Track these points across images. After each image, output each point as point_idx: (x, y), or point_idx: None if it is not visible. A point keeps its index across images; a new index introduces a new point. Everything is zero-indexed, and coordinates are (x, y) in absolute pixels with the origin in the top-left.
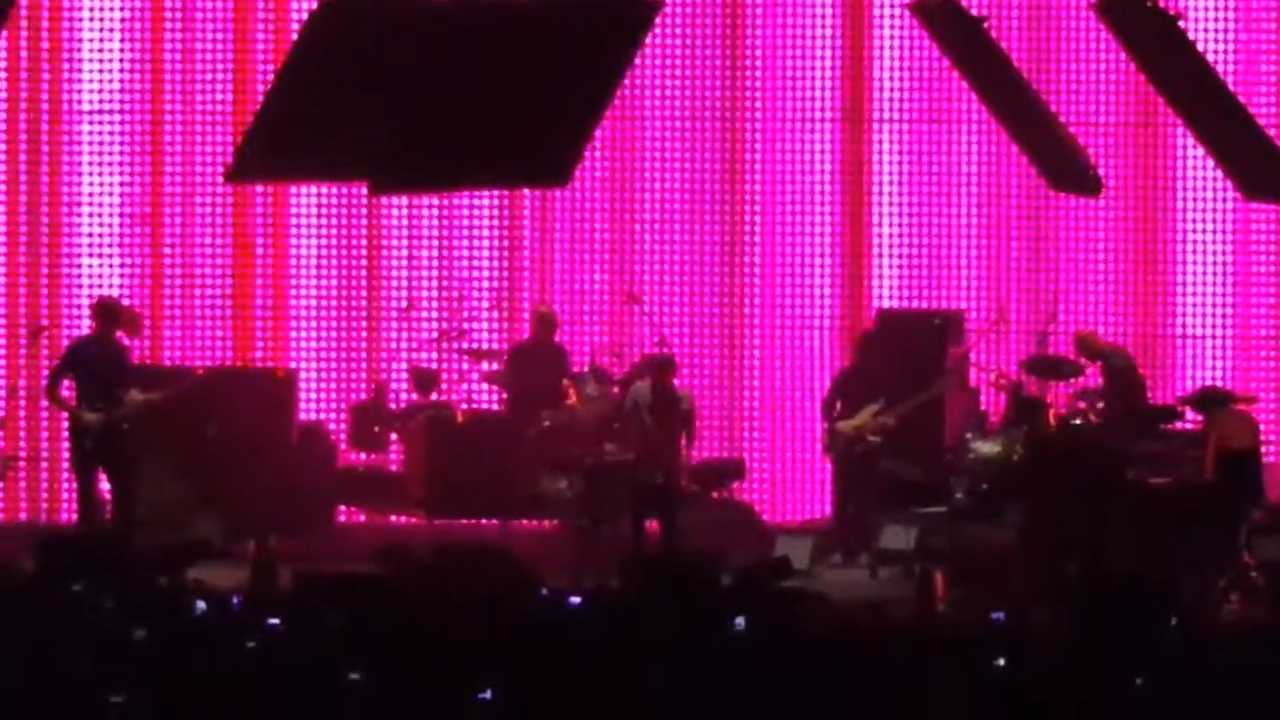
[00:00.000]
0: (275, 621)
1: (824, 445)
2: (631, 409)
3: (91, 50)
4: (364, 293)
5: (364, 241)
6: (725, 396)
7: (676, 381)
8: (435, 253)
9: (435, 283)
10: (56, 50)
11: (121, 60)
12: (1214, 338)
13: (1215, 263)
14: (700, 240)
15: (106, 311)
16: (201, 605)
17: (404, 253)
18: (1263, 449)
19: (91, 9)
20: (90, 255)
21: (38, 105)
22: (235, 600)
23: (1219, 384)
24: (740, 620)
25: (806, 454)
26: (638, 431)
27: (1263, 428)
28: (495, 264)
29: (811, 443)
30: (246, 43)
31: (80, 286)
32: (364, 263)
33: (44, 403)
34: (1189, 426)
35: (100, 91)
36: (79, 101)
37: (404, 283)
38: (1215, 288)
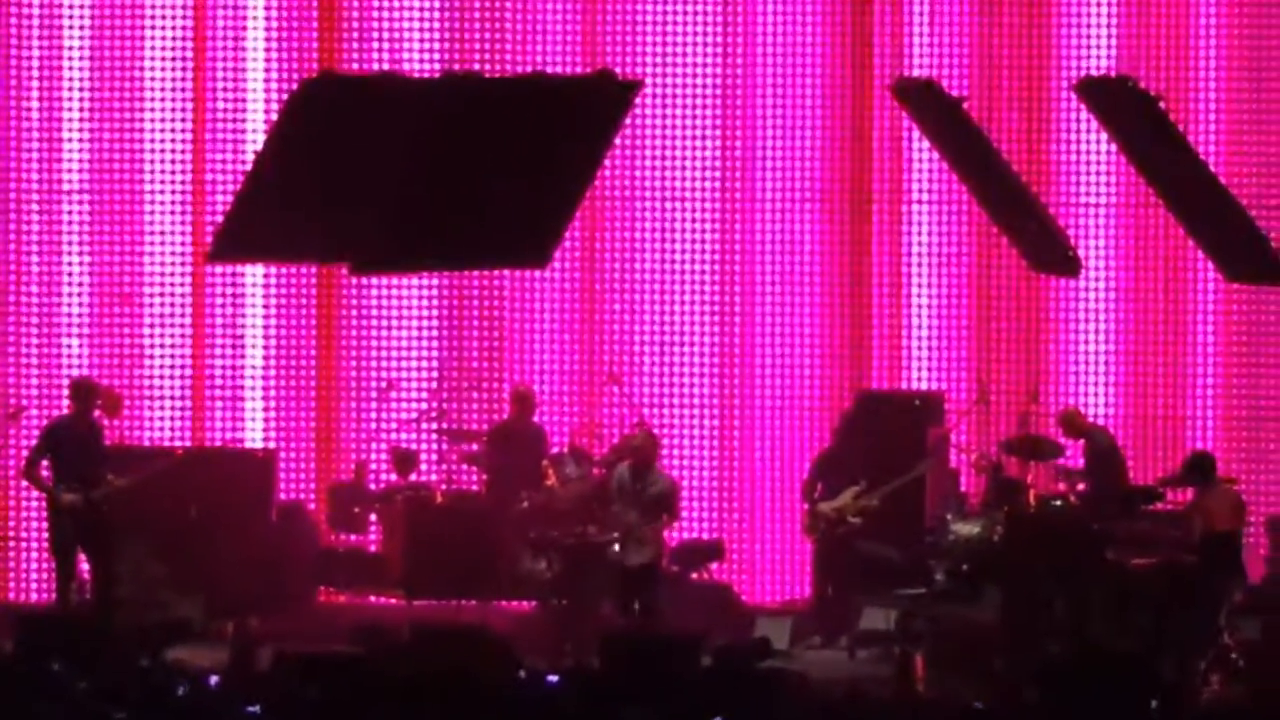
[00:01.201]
0: (255, 709)
1: (804, 526)
2: (614, 490)
3: (71, 130)
4: (343, 373)
5: (343, 322)
6: (705, 478)
7: (661, 463)
8: (414, 333)
9: (414, 363)
10: (36, 129)
11: (102, 140)
12: (1195, 418)
13: (1197, 343)
14: (681, 322)
15: (83, 391)
16: (181, 686)
17: (383, 333)
18: (1247, 528)
19: (73, 88)
20: (69, 335)
21: (19, 184)
22: (214, 681)
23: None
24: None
25: (786, 535)
26: (616, 513)
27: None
28: (475, 344)
29: (791, 524)
30: (227, 122)
31: (59, 367)
32: (343, 343)
33: (23, 483)
34: (1170, 507)
35: (80, 171)
36: (59, 181)
37: (383, 363)
38: (1197, 368)
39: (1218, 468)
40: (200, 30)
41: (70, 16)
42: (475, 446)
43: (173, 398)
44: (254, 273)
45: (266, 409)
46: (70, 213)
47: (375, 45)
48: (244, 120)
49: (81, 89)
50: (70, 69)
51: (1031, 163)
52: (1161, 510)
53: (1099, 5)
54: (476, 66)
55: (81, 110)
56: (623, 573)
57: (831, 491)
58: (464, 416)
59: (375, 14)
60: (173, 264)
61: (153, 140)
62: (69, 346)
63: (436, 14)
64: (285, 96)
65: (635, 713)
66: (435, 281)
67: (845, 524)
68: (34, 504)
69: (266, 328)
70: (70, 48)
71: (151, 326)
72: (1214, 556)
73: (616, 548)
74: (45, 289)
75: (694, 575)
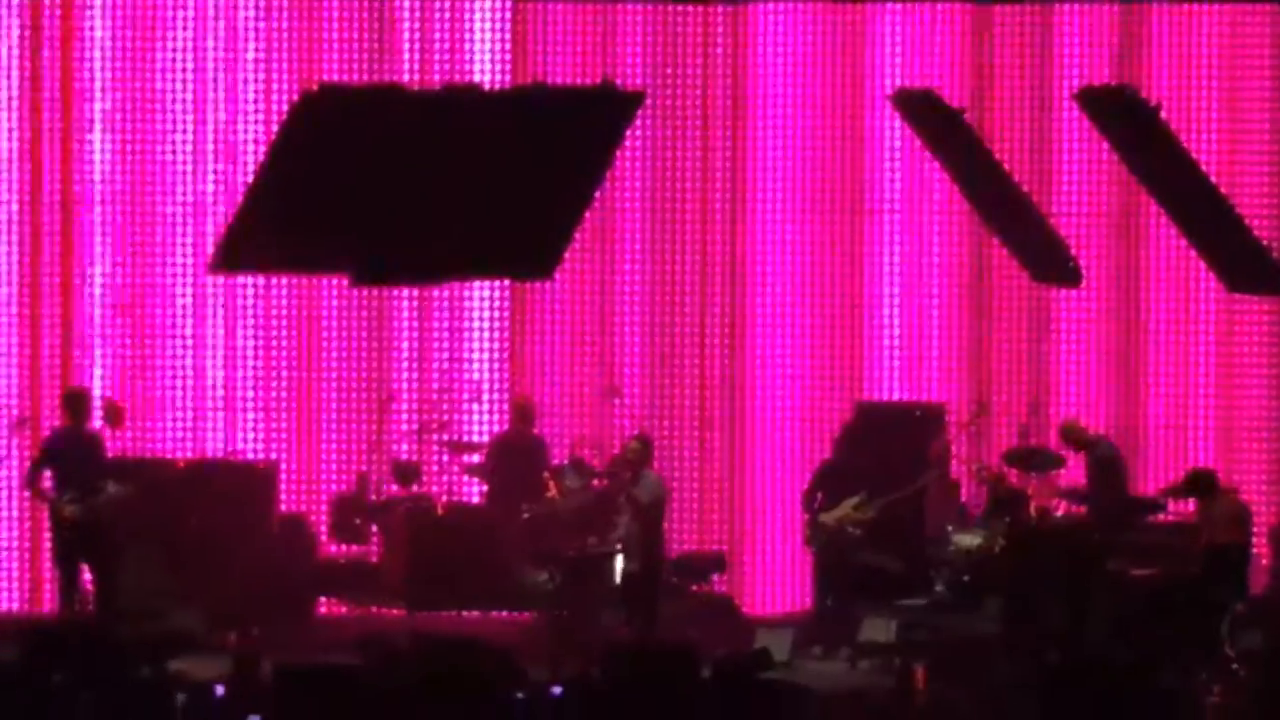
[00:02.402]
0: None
1: (805, 538)
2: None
3: (74, 141)
4: (344, 384)
5: (344, 333)
6: (706, 489)
7: (656, 471)
8: (415, 345)
9: (416, 375)
10: (37, 142)
11: (104, 151)
12: (1197, 429)
13: (1198, 353)
14: (680, 333)
15: (77, 402)
16: (182, 697)
17: (384, 344)
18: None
19: (78, 99)
20: (74, 346)
21: (28, 195)
22: (216, 691)
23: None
24: None
25: (787, 546)
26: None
27: None
28: (476, 356)
29: (792, 535)
30: (228, 133)
31: (63, 377)
32: (345, 354)
33: (26, 493)
34: (1172, 518)
35: (86, 182)
36: (65, 193)
37: (384, 375)
38: (1198, 378)
39: (1219, 480)
40: (201, 43)
41: (81, 28)
42: (476, 458)
43: (175, 409)
44: (255, 284)
45: (268, 421)
46: (72, 224)
47: (378, 58)
48: (246, 132)
49: (88, 100)
50: (81, 78)
51: (1032, 173)
52: (1163, 522)
53: (1099, 15)
54: (477, 78)
55: (85, 123)
56: (624, 582)
57: (832, 502)
58: (465, 428)
59: (380, 26)
60: (174, 275)
61: (155, 152)
62: (71, 357)
63: (437, 26)
64: (286, 109)
65: None
66: (437, 293)
67: (845, 535)
68: (41, 515)
69: (268, 339)
70: (81, 59)
71: (153, 338)
72: (1215, 568)
73: (620, 559)
74: (52, 299)
75: (695, 586)
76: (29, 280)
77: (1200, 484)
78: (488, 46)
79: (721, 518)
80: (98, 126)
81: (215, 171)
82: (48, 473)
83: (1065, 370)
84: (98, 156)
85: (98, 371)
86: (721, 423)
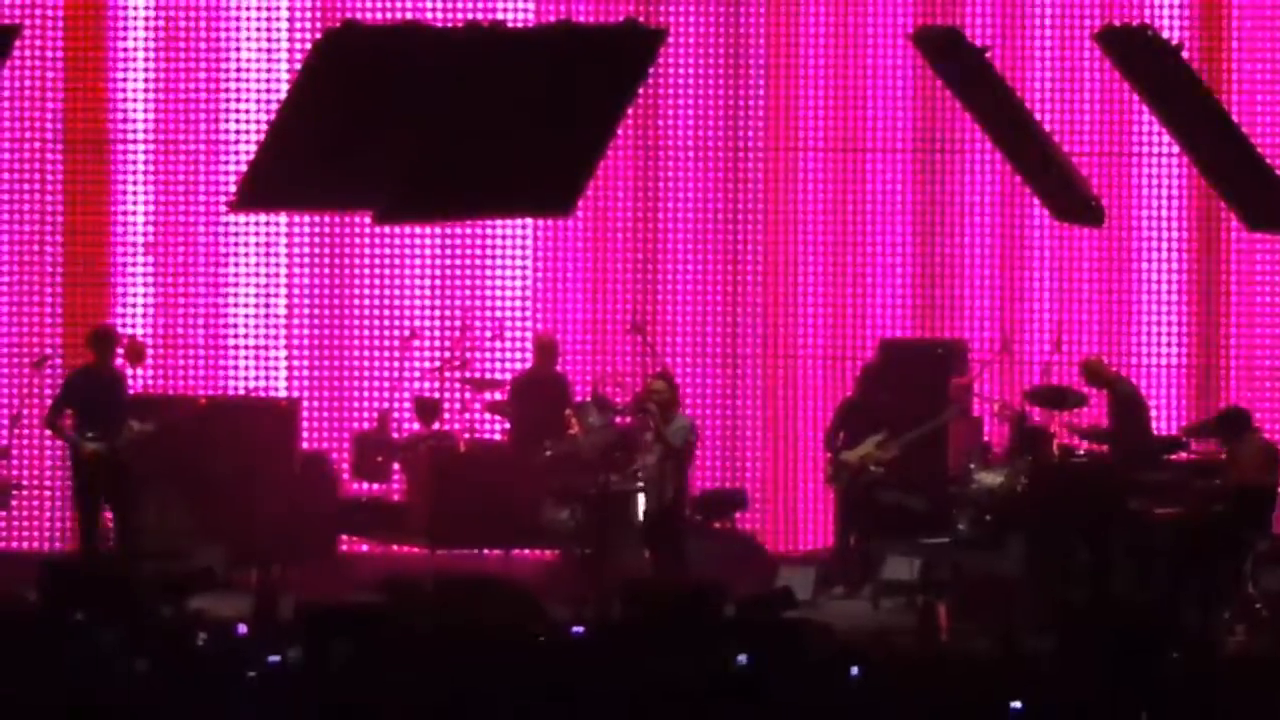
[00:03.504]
0: (277, 659)
1: (827, 476)
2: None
3: (91, 81)
4: (366, 322)
5: (366, 271)
6: (727, 426)
7: (683, 410)
8: (437, 282)
9: (437, 312)
10: (56, 81)
11: (122, 91)
12: (1218, 367)
13: (1221, 293)
14: (703, 269)
15: (102, 340)
16: (204, 636)
17: (406, 282)
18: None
19: (91, 41)
20: (93, 284)
21: (41, 136)
22: (238, 629)
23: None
24: (743, 658)
25: (809, 484)
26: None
27: None
28: (497, 293)
29: (814, 473)
30: (248, 72)
31: (83, 316)
32: (366, 292)
33: (47, 432)
34: (1194, 457)
35: (101, 122)
36: (79, 132)
37: (406, 312)
38: (1219, 318)
39: (1251, 420)
40: None
41: None
42: (498, 395)
43: (196, 347)
44: (277, 222)
45: (290, 358)
46: (95, 164)
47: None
48: (268, 70)
49: (117, 39)
50: (97, 21)
51: (1052, 112)
52: (1185, 460)
53: None
54: (500, 15)
55: (103, 64)
56: (647, 520)
57: (855, 440)
58: (487, 365)
59: None
60: (198, 214)
61: (181, 90)
62: (94, 295)
63: None
64: (309, 47)
65: (660, 663)
66: (458, 230)
67: (867, 473)
68: (58, 453)
69: (290, 277)
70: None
71: (175, 276)
72: (1241, 508)
73: (642, 497)
74: (70, 239)
75: (717, 524)
76: (55, 220)
77: (1234, 423)
78: None
79: (742, 455)
80: (122, 64)
81: (240, 110)
82: (69, 411)
83: (1089, 309)
84: (122, 95)
85: (121, 310)
86: (742, 360)
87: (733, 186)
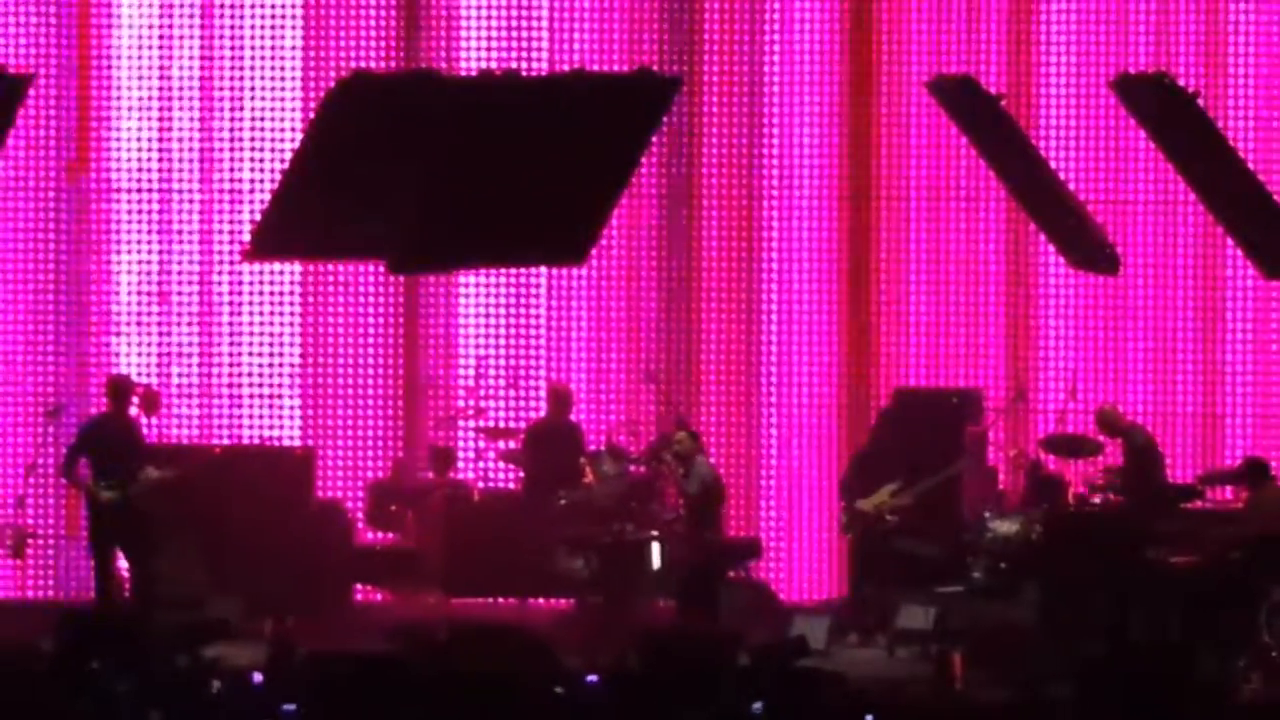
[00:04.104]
0: (291, 708)
1: (842, 524)
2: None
3: (109, 128)
4: (380, 371)
5: (381, 320)
6: (741, 476)
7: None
8: (451, 331)
9: (452, 361)
10: (69, 129)
11: (138, 138)
12: (1233, 416)
13: (1235, 340)
14: (717, 318)
15: (119, 389)
16: (218, 684)
17: (422, 331)
18: None
19: (109, 88)
20: (109, 333)
21: (58, 184)
22: (255, 678)
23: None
24: (758, 705)
25: (823, 533)
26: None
27: None
28: (511, 342)
29: (828, 521)
30: (265, 120)
31: (98, 364)
32: (382, 341)
33: (63, 480)
34: (1209, 506)
35: (118, 170)
36: (97, 180)
37: (420, 361)
38: (1234, 366)
39: (1270, 470)
40: (236, 30)
41: (108, 17)
42: (513, 444)
43: (211, 396)
44: (291, 271)
45: (304, 407)
46: (109, 211)
47: (416, 44)
48: (280, 119)
49: (120, 88)
50: (111, 69)
51: (1067, 160)
52: (1201, 509)
53: (1136, 1)
54: (512, 65)
55: (118, 109)
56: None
57: (869, 489)
58: (501, 414)
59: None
60: (209, 262)
61: (190, 139)
62: (108, 344)
63: (473, 13)
64: (320, 96)
65: (674, 712)
66: (472, 279)
67: (881, 521)
68: (77, 503)
69: (304, 326)
70: (110, 47)
71: (189, 325)
72: (1258, 557)
73: (656, 546)
74: (84, 287)
75: (731, 574)
76: (67, 268)
77: (1256, 472)
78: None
79: (756, 504)
80: (137, 112)
81: (252, 158)
82: (83, 459)
83: (1103, 357)
84: (136, 143)
85: (134, 359)
86: (756, 409)
87: (748, 234)
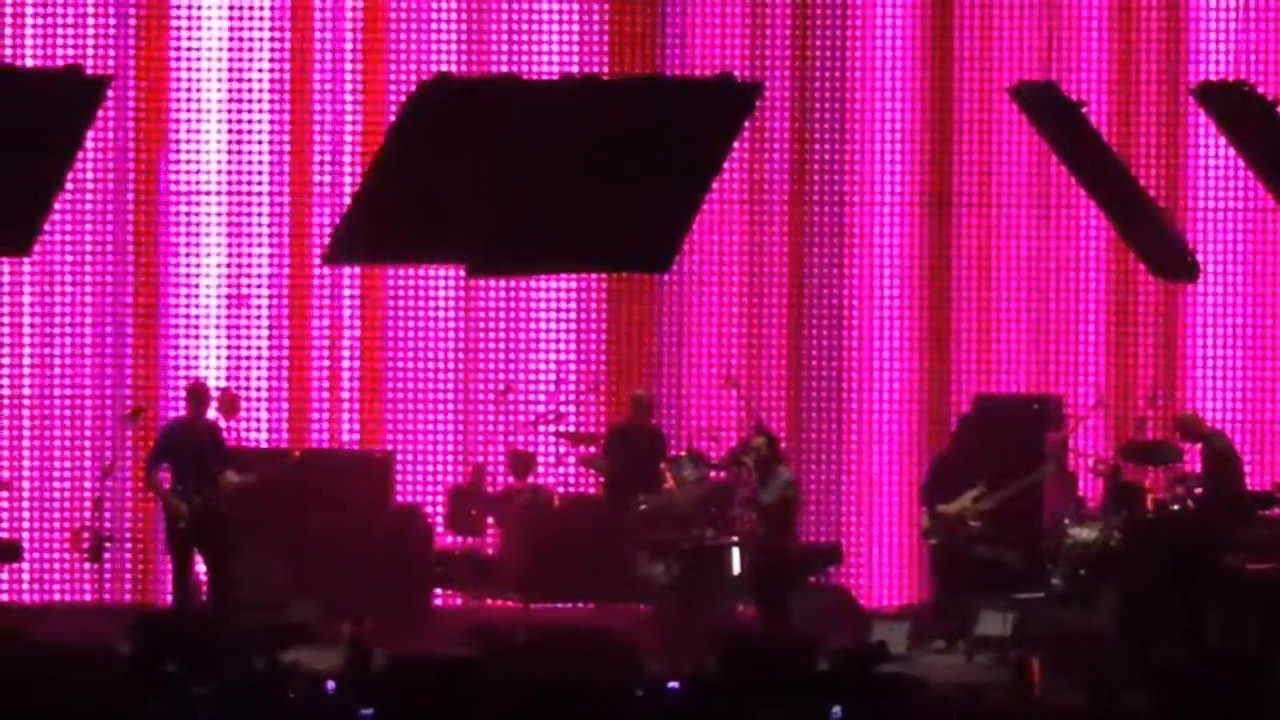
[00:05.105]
0: (369, 712)
1: (923, 530)
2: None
3: (188, 131)
4: (461, 375)
5: (462, 324)
6: (824, 481)
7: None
8: (533, 335)
9: (533, 365)
10: (153, 132)
11: (218, 141)
12: None
13: None
14: (799, 323)
15: (199, 394)
16: (296, 688)
17: (502, 335)
18: None
19: (187, 90)
20: (187, 337)
21: (136, 187)
22: (329, 684)
23: None
24: (837, 709)
25: (904, 538)
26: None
27: None
28: (593, 347)
29: (908, 527)
30: (343, 123)
31: (177, 368)
32: (462, 345)
33: (142, 486)
34: None
35: (197, 173)
36: (176, 183)
37: (501, 365)
38: None
39: None
40: (312, 33)
41: (181, 18)
42: (593, 449)
43: (290, 400)
44: (372, 275)
45: (384, 411)
46: (187, 215)
47: (495, 48)
48: (358, 122)
49: (195, 92)
50: (185, 73)
51: (1155, 167)
52: (1278, 516)
53: (1226, 10)
54: (595, 69)
55: (192, 114)
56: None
57: (950, 495)
58: (582, 419)
59: (497, 16)
60: (290, 266)
61: (268, 141)
62: (185, 348)
63: (555, 17)
64: (402, 99)
65: (755, 717)
66: (555, 283)
67: (964, 527)
68: (154, 506)
69: (385, 329)
70: (185, 50)
71: (269, 328)
72: None
73: (736, 552)
74: (163, 291)
75: (811, 579)
76: (144, 271)
77: None
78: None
79: (838, 509)
80: (216, 114)
81: (332, 161)
82: (164, 464)
83: (1184, 363)
84: (215, 145)
85: (211, 363)
86: (838, 414)
87: (835, 240)
